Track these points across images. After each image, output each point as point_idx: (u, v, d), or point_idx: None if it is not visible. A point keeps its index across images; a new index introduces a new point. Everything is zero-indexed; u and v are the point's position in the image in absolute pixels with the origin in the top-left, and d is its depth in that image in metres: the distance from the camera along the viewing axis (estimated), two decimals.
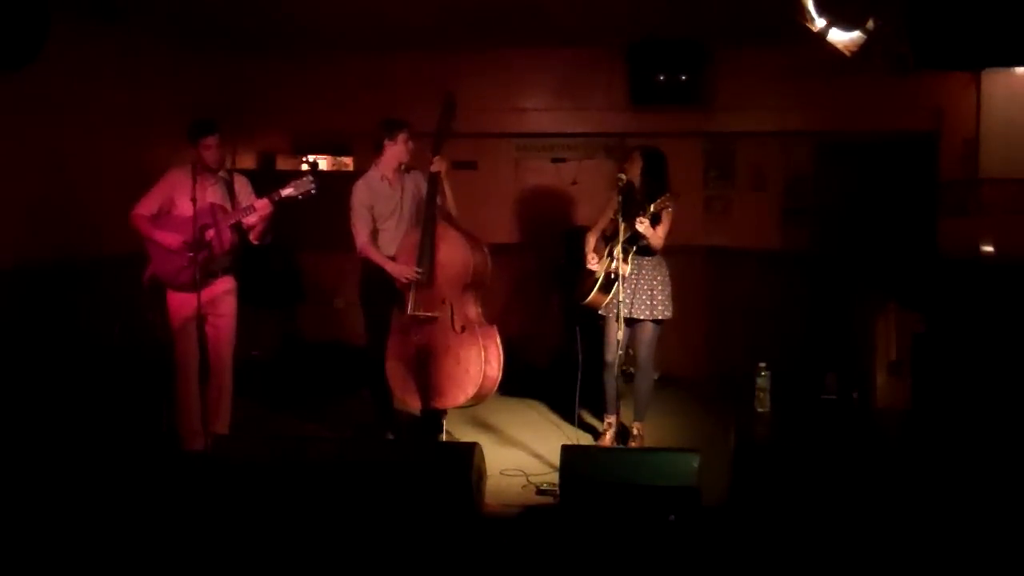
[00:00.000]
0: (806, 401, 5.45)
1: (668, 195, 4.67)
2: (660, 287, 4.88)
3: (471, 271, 4.69)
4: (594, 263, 4.94)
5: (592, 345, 5.08)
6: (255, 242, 4.73)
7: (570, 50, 6.83)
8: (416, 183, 4.97)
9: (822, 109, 6.48)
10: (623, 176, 4.73)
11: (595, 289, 4.91)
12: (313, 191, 4.54)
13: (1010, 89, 5.58)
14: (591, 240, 5.04)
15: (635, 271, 4.85)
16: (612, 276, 4.80)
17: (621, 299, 4.56)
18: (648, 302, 4.85)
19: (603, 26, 6.06)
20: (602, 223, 5.04)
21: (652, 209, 4.60)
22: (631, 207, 4.66)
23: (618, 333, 4.57)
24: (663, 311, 4.88)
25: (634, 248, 4.75)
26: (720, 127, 6.84)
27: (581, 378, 4.98)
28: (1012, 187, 5.58)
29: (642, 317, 4.84)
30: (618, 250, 4.66)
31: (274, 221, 4.71)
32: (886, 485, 3.93)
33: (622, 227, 4.64)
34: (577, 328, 5.15)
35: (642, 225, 4.58)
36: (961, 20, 3.42)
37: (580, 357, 5.00)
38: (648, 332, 4.91)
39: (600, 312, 4.99)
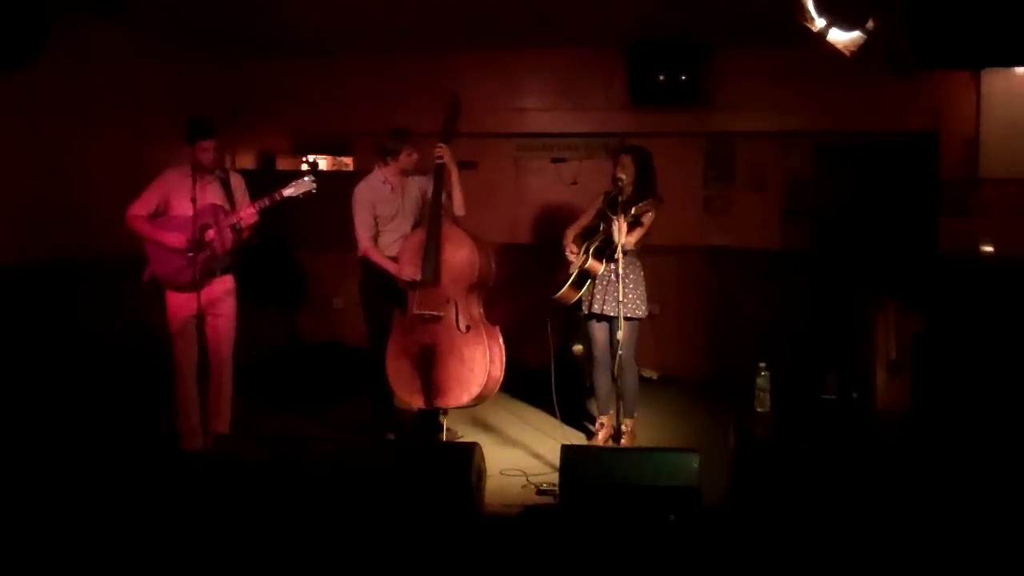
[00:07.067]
0: (806, 401, 5.45)
1: (651, 200, 4.67)
2: (632, 286, 4.87)
3: (477, 271, 4.70)
4: (572, 253, 4.97)
5: (565, 340, 5.11)
6: (242, 245, 4.76)
7: (570, 50, 6.83)
8: (421, 186, 5.01)
9: (822, 109, 6.48)
10: (623, 177, 4.74)
11: (567, 285, 4.92)
12: (313, 191, 4.58)
13: (1010, 89, 5.59)
14: (569, 235, 5.05)
15: (608, 269, 4.87)
16: (585, 274, 4.87)
17: (621, 299, 4.56)
18: (620, 300, 4.87)
19: (603, 26, 6.06)
20: (583, 220, 5.07)
21: (633, 212, 4.60)
22: (613, 213, 4.68)
23: (618, 333, 4.57)
24: (634, 310, 4.87)
25: (608, 250, 4.75)
26: (720, 127, 6.84)
27: (558, 373, 5.01)
28: (1012, 187, 5.59)
29: (612, 314, 4.83)
30: (593, 249, 4.80)
31: (264, 223, 4.72)
32: (886, 485, 3.93)
33: (602, 228, 4.76)
34: (549, 322, 5.13)
35: (615, 226, 4.60)
36: (961, 20, 3.42)
37: (552, 351, 5.02)
38: (624, 331, 4.91)
39: (582, 311, 5.04)
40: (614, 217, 4.63)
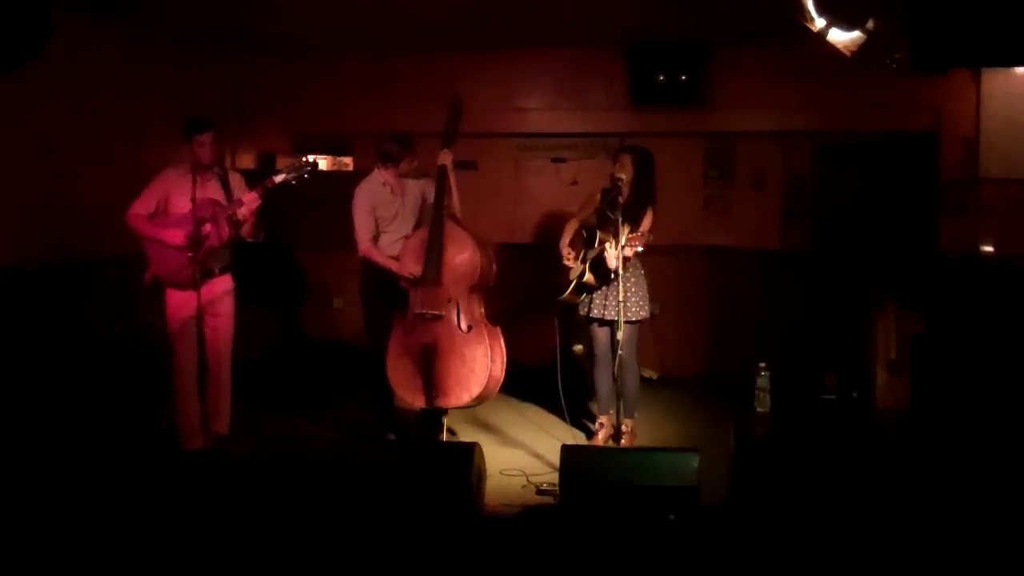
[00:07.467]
0: (806, 401, 5.45)
1: (639, 235, 4.64)
2: (634, 288, 4.88)
3: (478, 271, 4.70)
4: (569, 259, 4.96)
5: (565, 339, 5.15)
6: (248, 239, 4.74)
7: (570, 50, 6.83)
8: (422, 188, 5.02)
9: (822, 109, 6.48)
10: (622, 177, 4.75)
11: (568, 290, 4.95)
12: (307, 174, 4.55)
13: (1010, 89, 5.59)
14: (569, 231, 5.04)
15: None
16: (584, 284, 4.89)
17: (621, 299, 4.55)
18: (621, 300, 4.86)
19: (603, 26, 6.05)
20: (583, 214, 5.06)
21: (623, 242, 4.58)
22: (612, 214, 4.66)
23: (619, 333, 4.57)
24: (637, 312, 4.88)
25: (604, 267, 4.75)
26: (720, 127, 6.84)
27: (561, 372, 5.00)
28: (1012, 187, 5.59)
29: (613, 318, 4.81)
30: (589, 263, 4.80)
31: (266, 218, 4.71)
32: (886, 485, 3.93)
33: (597, 242, 4.75)
34: (556, 321, 5.14)
35: (607, 253, 4.62)
36: (961, 20, 3.42)
37: (559, 351, 5.02)
38: (625, 333, 4.89)
39: (582, 313, 5.05)
40: (611, 221, 4.62)
